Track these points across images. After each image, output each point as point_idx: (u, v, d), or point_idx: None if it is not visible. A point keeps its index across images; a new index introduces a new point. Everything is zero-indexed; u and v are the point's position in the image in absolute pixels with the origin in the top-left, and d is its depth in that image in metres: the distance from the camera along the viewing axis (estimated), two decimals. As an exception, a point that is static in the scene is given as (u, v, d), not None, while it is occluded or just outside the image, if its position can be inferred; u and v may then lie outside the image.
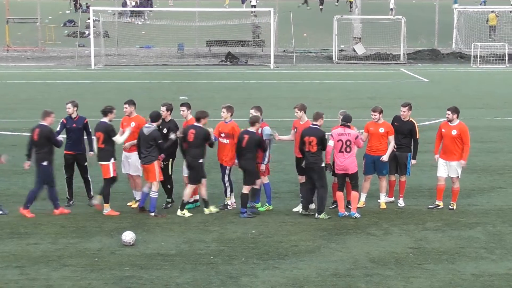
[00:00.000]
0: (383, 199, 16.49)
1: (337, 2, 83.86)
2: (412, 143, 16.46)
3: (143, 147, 15.63)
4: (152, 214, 15.68)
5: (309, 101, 30.96)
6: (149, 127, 15.66)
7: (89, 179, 16.70)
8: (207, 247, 13.90)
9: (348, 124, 15.66)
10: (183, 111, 16.33)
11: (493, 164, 20.60)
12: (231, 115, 16.19)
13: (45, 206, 16.33)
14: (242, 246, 13.98)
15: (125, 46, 54.72)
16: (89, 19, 52.11)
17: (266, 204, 16.28)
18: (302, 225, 15.23)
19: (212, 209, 15.93)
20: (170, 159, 16.24)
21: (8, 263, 13.05)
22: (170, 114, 16.30)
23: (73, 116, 16.53)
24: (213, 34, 54.90)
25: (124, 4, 67.56)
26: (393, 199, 16.74)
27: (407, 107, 16.52)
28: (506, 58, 49.08)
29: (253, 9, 66.58)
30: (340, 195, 15.76)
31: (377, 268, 12.89)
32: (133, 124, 16.17)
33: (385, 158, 16.06)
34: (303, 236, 14.58)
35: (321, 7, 77.42)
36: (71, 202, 16.57)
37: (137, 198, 16.40)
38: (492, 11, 58.44)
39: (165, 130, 16.05)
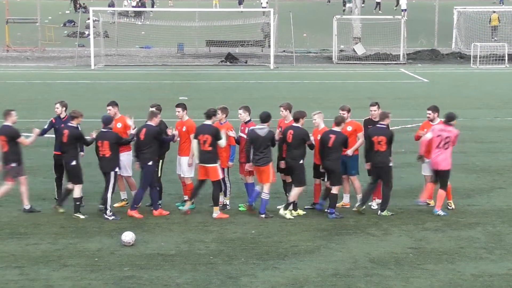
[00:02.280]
0: (359, 201, 16.25)
1: (328, 2, 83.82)
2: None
3: (257, 149, 15.46)
4: (263, 216, 15.57)
5: (308, 101, 31.08)
6: (263, 128, 15.51)
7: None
8: (207, 247, 13.90)
9: (451, 122, 15.76)
10: (179, 111, 16.22)
11: (493, 164, 20.60)
12: (226, 116, 16.18)
13: (45, 206, 16.35)
14: (242, 246, 13.98)
15: (125, 46, 54.77)
16: (88, 19, 52.11)
17: (247, 203, 16.28)
18: (302, 226, 15.23)
19: (293, 212, 15.71)
20: (160, 160, 16.18)
21: (8, 263, 13.05)
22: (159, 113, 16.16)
23: (62, 116, 16.46)
24: (213, 35, 54.93)
25: (114, 4, 67.60)
26: (373, 202, 16.52)
27: (376, 106, 16.38)
28: (506, 58, 49.12)
29: (256, 9, 66.54)
30: (431, 188, 15.93)
31: (377, 268, 12.89)
32: (119, 125, 16.08)
33: (349, 152, 15.95)
34: (303, 236, 14.58)
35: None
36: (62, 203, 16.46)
37: (123, 197, 16.40)
38: (494, 12, 58.42)
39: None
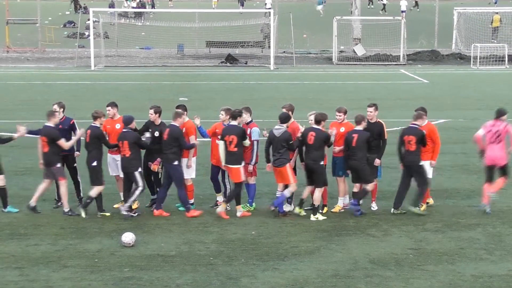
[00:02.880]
0: (341, 203, 16.28)
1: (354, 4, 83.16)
2: (381, 144, 16.23)
3: (274, 150, 15.47)
4: (281, 213, 15.71)
5: (309, 102, 31.08)
6: (279, 129, 15.54)
7: (79, 180, 16.65)
8: (207, 248, 13.90)
9: (502, 117, 16.04)
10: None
11: (493, 165, 20.57)
12: (229, 118, 16.18)
13: (45, 207, 16.34)
14: (242, 247, 13.98)
15: (125, 47, 54.80)
16: (88, 20, 52.14)
17: (247, 204, 16.28)
18: (302, 226, 15.23)
19: (320, 217, 15.72)
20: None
21: (8, 264, 13.04)
22: (159, 116, 16.13)
23: (60, 117, 16.43)
24: (213, 36, 54.96)
25: (114, 5, 67.63)
26: (372, 203, 16.51)
27: (373, 107, 16.32)
28: (506, 59, 49.15)
29: (256, 10, 66.54)
30: (487, 186, 16.08)
31: (377, 269, 12.89)
32: (118, 126, 16.05)
33: (337, 150, 15.97)
34: (303, 237, 14.57)
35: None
36: (59, 204, 16.44)
37: (122, 199, 16.31)
38: (496, 13, 58.35)
39: (156, 133, 15.90)
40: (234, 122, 15.73)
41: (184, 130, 15.99)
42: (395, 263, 13.16)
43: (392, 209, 16.04)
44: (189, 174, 16.17)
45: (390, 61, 50.78)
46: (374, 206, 16.41)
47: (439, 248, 13.98)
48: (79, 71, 45.42)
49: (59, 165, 15.78)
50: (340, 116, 16.13)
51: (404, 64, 49.86)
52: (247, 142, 15.66)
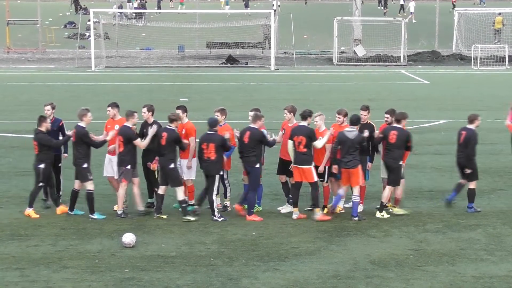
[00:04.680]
0: (341, 204, 16.21)
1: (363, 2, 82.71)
2: (370, 147, 16.22)
3: (346, 152, 15.47)
4: (356, 218, 15.57)
5: (309, 103, 31.05)
6: (352, 131, 15.56)
7: (61, 180, 16.63)
8: (207, 249, 13.89)
9: None
10: (179, 113, 16.05)
11: (493, 166, 20.57)
12: (225, 118, 16.16)
13: (43, 208, 16.34)
14: (243, 248, 13.97)
15: (126, 48, 54.78)
16: (89, 20, 52.15)
17: (256, 205, 16.29)
18: (302, 227, 15.23)
19: (385, 214, 15.83)
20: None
21: (8, 265, 13.04)
22: (152, 115, 16.10)
23: (50, 118, 16.37)
24: (213, 36, 54.94)
25: (122, 7, 67.61)
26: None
27: (366, 111, 16.31)
28: (507, 60, 49.10)
29: (257, 11, 66.53)
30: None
31: (378, 270, 12.89)
32: (117, 127, 15.99)
33: (321, 144, 15.93)
34: (303, 238, 14.57)
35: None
36: (48, 202, 16.41)
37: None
38: (499, 13, 58.21)
39: (152, 131, 15.82)
40: (303, 123, 15.67)
41: (184, 131, 15.99)
42: (395, 264, 13.16)
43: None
44: (189, 175, 16.16)
45: (390, 62, 50.75)
46: (359, 208, 16.30)
47: (440, 248, 13.98)
48: (80, 72, 45.43)
49: (129, 166, 15.70)
50: (339, 118, 16.12)
51: (404, 65, 49.83)
52: (318, 144, 15.58)
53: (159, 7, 73.65)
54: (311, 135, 15.46)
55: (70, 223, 15.41)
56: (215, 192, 15.54)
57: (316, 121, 15.97)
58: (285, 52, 54.60)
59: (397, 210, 16.13)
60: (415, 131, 23.62)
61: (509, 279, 12.52)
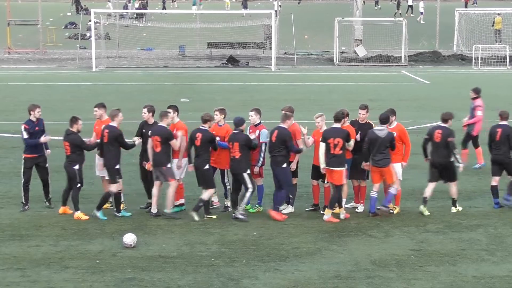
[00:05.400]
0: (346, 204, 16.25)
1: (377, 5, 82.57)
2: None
3: (377, 150, 15.60)
4: (384, 207, 15.82)
5: (310, 103, 31.08)
6: (382, 130, 15.69)
7: (49, 181, 16.59)
8: (208, 249, 13.90)
9: None
10: (169, 113, 15.98)
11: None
12: (224, 118, 16.15)
13: (46, 208, 16.34)
14: (243, 248, 13.97)
15: (126, 48, 54.80)
16: (90, 21, 52.16)
17: (257, 205, 16.28)
18: (303, 227, 15.23)
19: (460, 208, 16.35)
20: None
21: (9, 265, 13.05)
22: (152, 116, 16.10)
23: (34, 120, 16.32)
24: (214, 37, 54.95)
25: (127, 7, 67.62)
26: (358, 204, 16.49)
27: (365, 110, 16.37)
28: (508, 60, 49.11)
29: (258, 11, 66.51)
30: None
31: (379, 270, 12.89)
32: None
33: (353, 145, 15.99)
34: (304, 238, 14.57)
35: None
36: (26, 207, 16.31)
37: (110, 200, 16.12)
38: (498, 14, 58.19)
39: (150, 133, 15.84)
40: (337, 125, 15.68)
41: (175, 131, 15.91)
42: (396, 264, 13.16)
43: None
44: (179, 174, 16.09)
45: (391, 62, 50.76)
46: (360, 208, 16.37)
47: (441, 249, 13.98)
48: (81, 72, 45.43)
49: (169, 165, 15.68)
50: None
51: (405, 65, 49.83)
52: (351, 144, 15.66)
53: (164, 8, 73.58)
54: (348, 137, 15.54)
55: (71, 223, 15.41)
56: (250, 188, 15.53)
57: (318, 122, 15.97)
58: (286, 53, 54.61)
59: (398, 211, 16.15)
60: (416, 132, 23.64)
61: (510, 280, 12.52)
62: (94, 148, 15.93)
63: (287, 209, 16.16)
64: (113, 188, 15.64)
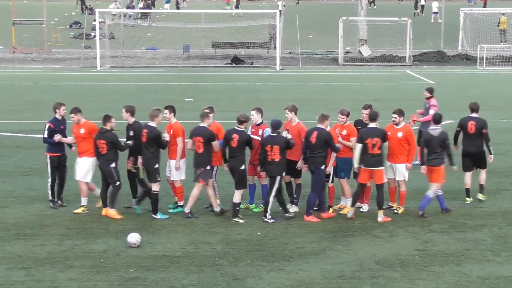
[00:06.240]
0: (348, 204, 16.19)
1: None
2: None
3: (431, 150, 15.83)
4: (444, 211, 16.20)
5: (314, 103, 31.06)
6: (436, 129, 15.96)
7: (65, 180, 16.64)
8: (213, 249, 13.90)
9: None
10: (165, 113, 15.98)
11: (499, 166, 20.50)
12: (213, 116, 16.09)
13: (49, 208, 16.36)
14: (248, 248, 13.97)
15: (131, 48, 54.82)
16: (94, 20, 52.21)
17: (261, 205, 16.28)
18: (307, 227, 15.22)
19: (483, 197, 16.96)
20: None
21: (14, 264, 13.07)
22: (131, 116, 15.99)
23: (59, 118, 16.44)
24: (218, 36, 54.94)
25: (134, 7, 67.63)
26: (362, 204, 16.44)
27: (368, 110, 16.38)
28: (513, 60, 49.01)
29: (262, 11, 66.49)
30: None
31: (383, 270, 12.88)
32: (82, 131, 15.81)
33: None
34: (308, 238, 14.57)
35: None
36: (57, 203, 16.44)
37: (82, 204, 16.02)
38: (503, 14, 58.06)
39: (131, 133, 15.81)
40: (372, 124, 15.72)
41: (172, 131, 15.86)
42: (400, 264, 13.15)
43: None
44: (178, 175, 16.05)
45: (396, 62, 50.69)
46: (364, 208, 16.35)
47: (445, 249, 13.96)
48: (85, 72, 45.47)
49: (208, 167, 15.69)
50: (343, 118, 16.11)
51: (410, 65, 49.76)
52: (386, 144, 15.75)
53: (177, 7, 73.50)
54: (385, 136, 15.63)
55: (75, 222, 15.43)
56: (273, 193, 15.46)
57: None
58: (290, 52, 54.57)
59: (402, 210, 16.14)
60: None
61: (515, 280, 12.50)
62: (126, 148, 15.90)
63: (292, 208, 16.15)
64: (155, 187, 15.61)
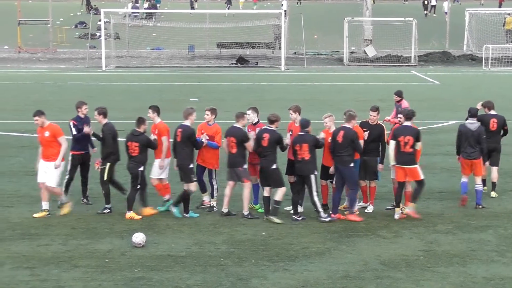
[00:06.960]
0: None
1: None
2: (380, 148, 16.26)
3: (469, 144, 16.42)
4: (480, 206, 16.49)
5: (319, 103, 31.05)
6: (473, 123, 16.43)
7: (88, 179, 16.70)
8: (217, 249, 13.90)
9: None
10: (149, 113, 16.03)
11: (504, 166, 20.42)
12: (215, 118, 16.15)
13: (55, 207, 16.37)
14: (252, 248, 13.97)
15: (136, 48, 54.88)
16: (100, 20, 52.28)
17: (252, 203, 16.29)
18: (312, 227, 15.21)
19: (496, 195, 17.40)
20: (108, 164, 15.83)
21: (19, 264, 13.08)
22: (103, 117, 15.97)
23: (82, 116, 16.57)
24: (223, 36, 54.96)
25: (135, 7, 67.70)
26: (367, 204, 16.48)
27: (376, 112, 16.38)
28: (518, 60, 48.93)
29: (268, 11, 66.52)
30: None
31: (388, 270, 12.86)
32: (47, 134, 15.70)
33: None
34: (313, 238, 14.56)
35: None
36: (84, 200, 16.59)
37: (44, 207, 15.80)
38: (509, 14, 57.98)
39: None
40: (407, 123, 15.77)
41: (157, 131, 15.91)
42: (405, 265, 13.13)
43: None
44: (162, 174, 16.11)
45: (401, 62, 50.65)
46: (369, 209, 16.33)
47: (450, 249, 13.94)
48: (90, 72, 45.53)
49: (245, 166, 15.70)
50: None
51: (415, 65, 49.70)
52: (419, 145, 15.76)
53: (192, 8, 73.51)
54: (418, 135, 15.70)
55: (80, 222, 15.45)
56: (315, 192, 15.48)
57: (326, 122, 15.95)
58: (295, 52, 54.56)
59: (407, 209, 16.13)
60: (425, 132, 23.57)
61: (520, 281, 12.47)
62: (157, 147, 15.93)
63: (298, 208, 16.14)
64: (192, 187, 15.64)
